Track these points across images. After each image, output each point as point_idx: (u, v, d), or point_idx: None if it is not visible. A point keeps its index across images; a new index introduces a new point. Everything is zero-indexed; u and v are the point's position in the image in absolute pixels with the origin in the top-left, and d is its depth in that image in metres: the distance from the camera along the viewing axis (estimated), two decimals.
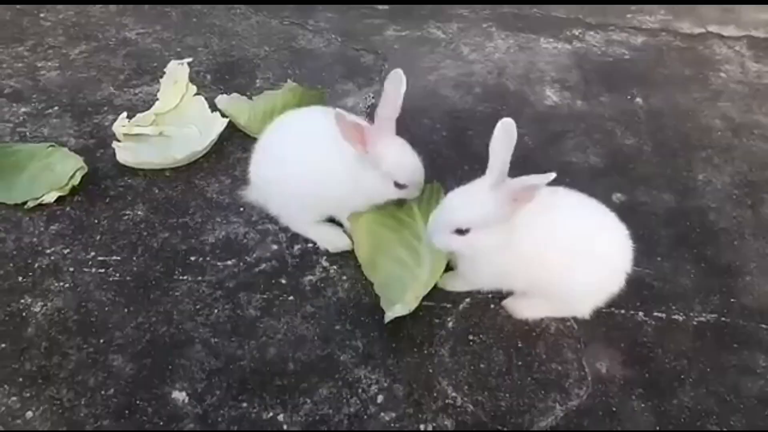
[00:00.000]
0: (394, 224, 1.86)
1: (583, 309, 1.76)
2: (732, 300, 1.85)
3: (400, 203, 1.85)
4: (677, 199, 2.16)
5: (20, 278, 1.81)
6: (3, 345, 1.65)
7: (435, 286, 1.78)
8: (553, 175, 1.46)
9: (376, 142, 1.70)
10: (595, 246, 1.65)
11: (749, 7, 3.24)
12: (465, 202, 1.61)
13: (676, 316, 1.80)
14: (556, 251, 1.62)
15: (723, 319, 1.80)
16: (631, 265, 1.71)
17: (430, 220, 1.65)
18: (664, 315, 1.80)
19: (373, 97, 2.50)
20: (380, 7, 3.09)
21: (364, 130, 1.67)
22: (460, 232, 1.59)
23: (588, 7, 3.17)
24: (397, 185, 1.77)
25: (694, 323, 1.79)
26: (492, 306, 1.80)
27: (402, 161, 1.76)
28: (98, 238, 1.94)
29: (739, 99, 2.63)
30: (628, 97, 2.62)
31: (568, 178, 2.12)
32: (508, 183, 1.53)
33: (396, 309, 1.69)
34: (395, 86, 1.69)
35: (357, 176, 1.77)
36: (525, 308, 1.77)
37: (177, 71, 2.32)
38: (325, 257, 1.91)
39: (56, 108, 2.41)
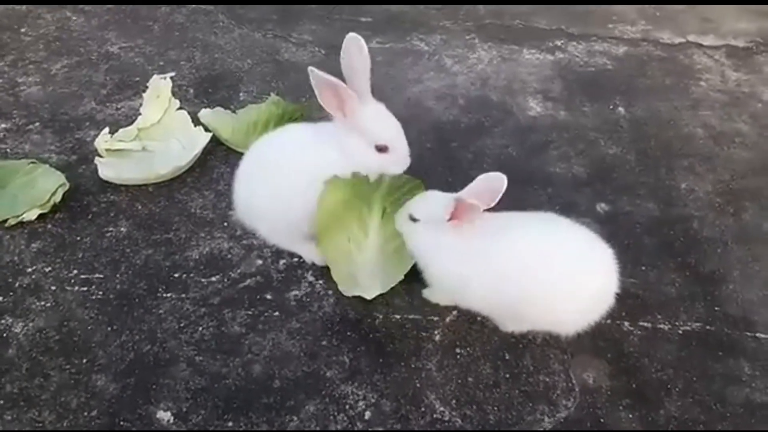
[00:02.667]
0: (356, 203, 1.80)
1: (571, 326, 1.72)
2: (716, 308, 1.86)
3: (381, 179, 1.80)
4: (660, 207, 2.18)
5: (1, 298, 1.79)
6: None
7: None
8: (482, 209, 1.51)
9: (354, 105, 1.68)
10: (570, 275, 1.60)
11: (728, 16, 3.28)
12: (432, 197, 1.67)
13: (661, 326, 1.81)
14: (514, 280, 1.59)
15: (708, 327, 1.81)
16: (616, 274, 1.67)
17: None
18: (649, 325, 1.81)
19: None
20: (363, 19, 3.10)
21: (341, 90, 1.64)
22: (413, 219, 1.66)
23: (570, 18, 3.20)
24: (379, 148, 1.74)
25: (680, 332, 1.80)
26: (479, 318, 1.79)
27: (381, 120, 1.75)
28: (80, 255, 1.91)
29: (720, 108, 2.65)
30: (611, 106, 2.64)
31: (552, 188, 2.16)
32: (468, 192, 1.56)
33: (358, 289, 1.76)
34: (356, 49, 1.66)
35: (340, 143, 1.75)
36: (510, 325, 1.76)
37: (160, 86, 2.30)
38: (310, 272, 1.90)
39: (37, 124, 2.39)
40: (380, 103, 1.77)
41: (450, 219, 1.56)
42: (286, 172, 1.80)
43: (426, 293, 1.82)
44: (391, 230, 1.75)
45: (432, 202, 1.65)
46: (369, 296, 1.78)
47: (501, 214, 1.63)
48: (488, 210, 1.56)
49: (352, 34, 1.67)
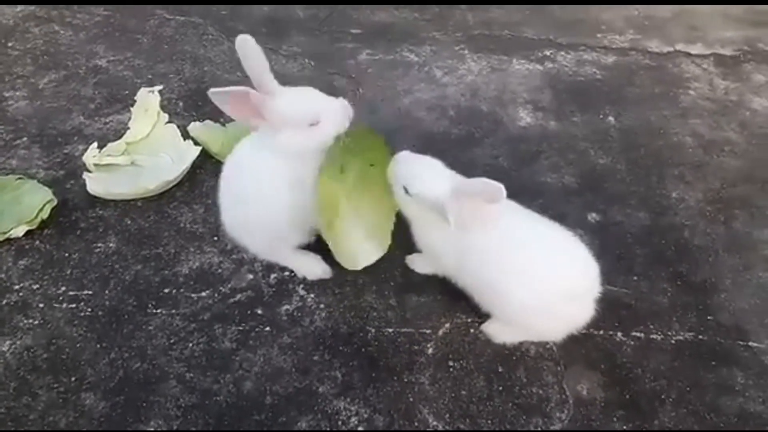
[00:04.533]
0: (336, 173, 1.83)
1: (549, 331, 1.75)
2: (709, 317, 1.86)
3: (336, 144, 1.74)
4: (651, 216, 2.18)
5: None
6: None
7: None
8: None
9: (267, 103, 1.61)
10: (541, 268, 1.61)
11: (715, 25, 3.30)
12: (425, 174, 1.67)
13: (654, 336, 1.80)
14: (493, 263, 1.62)
15: (700, 337, 1.81)
16: (597, 282, 1.66)
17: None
18: (642, 335, 1.80)
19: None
20: (353, 31, 3.10)
21: (249, 95, 1.58)
22: (407, 192, 1.68)
23: (559, 28, 3.21)
24: (312, 124, 1.66)
25: (672, 342, 1.79)
26: (471, 330, 1.79)
27: (296, 101, 1.66)
28: (69, 272, 1.89)
29: (709, 116, 2.67)
30: (601, 116, 2.65)
31: (543, 198, 2.16)
32: (465, 190, 1.56)
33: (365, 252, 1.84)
34: (248, 49, 1.58)
35: (273, 146, 1.68)
36: (502, 334, 1.77)
37: (148, 99, 2.29)
38: (302, 285, 1.88)
39: (25, 139, 2.37)
40: (288, 87, 1.68)
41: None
42: (246, 191, 1.77)
43: (409, 260, 1.90)
44: (358, 189, 1.83)
45: (429, 186, 1.63)
46: (374, 258, 1.87)
47: None
48: None
49: (240, 37, 1.57)
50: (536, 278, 1.60)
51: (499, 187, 1.47)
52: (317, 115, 1.66)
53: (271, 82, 1.63)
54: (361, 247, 1.87)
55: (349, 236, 1.86)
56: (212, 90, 1.57)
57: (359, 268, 1.87)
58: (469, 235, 1.61)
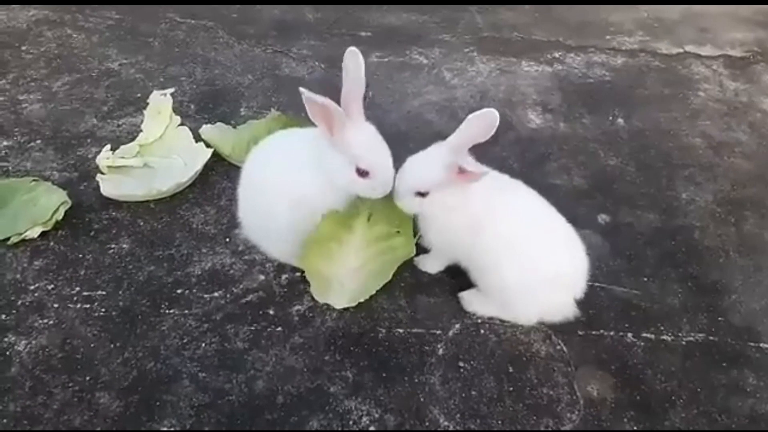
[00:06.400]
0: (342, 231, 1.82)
1: (523, 314, 1.80)
2: (719, 319, 1.86)
3: (362, 204, 1.79)
4: (662, 218, 2.18)
5: (3, 316, 1.78)
6: None
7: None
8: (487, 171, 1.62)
9: (343, 125, 1.62)
10: (533, 249, 1.69)
11: (725, 26, 3.30)
12: (423, 166, 1.70)
13: (664, 337, 1.81)
14: (495, 236, 1.69)
15: (711, 338, 1.81)
16: (583, 282, 1.75)
17: (395, 185, 1.73)
18: (653, 336, 1.81)
19: None
20: (362, 33, 3.12)
21: (333, 110, 1.58)
22: (421, 194, 1.69)
23: (567, 30, 3.22)
24: (360, 172, 1.67)
25: (683, 343, 1.79)
26: (482, 331, 1.79)
27: (366, 143, 1.67)
28: (83, 272, 1.91)
29: (719, 117, 2.67)
30: (610, 117, 2.65)
31: (553, 200, 2.15)
32: (458, 153, 1.63)
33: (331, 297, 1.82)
34: (354, 63, 1.62)
35: (323, 160, 1.70)
36: (475, 303, 1.83)
37: (160, 102, 2.31)
38: None
39: (39, 141, 2.40)
40: (370, 125, 1.71)
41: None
42: (270, 192, 1.78)
43: (418, 261, 1.93)
44: (372, 252, 1.80)
45: (432, 171, 1.67)
46: (339, 305, 1.82)
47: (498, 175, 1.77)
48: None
49: (351, 49, 1.64)
50: (525, 259, 1.68)
51: (492, 112, 1.58)
52: (370, 169, 1.67)
53: (358, 109, 1.67)
54: (338, 288, 1.82)
55: (331, 273, 1.81)
56: (305, 93, 1.58)
57: (321, 301, 1.85)
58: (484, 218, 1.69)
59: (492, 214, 1.70)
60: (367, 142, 1.68)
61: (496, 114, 1.58)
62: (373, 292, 1.81)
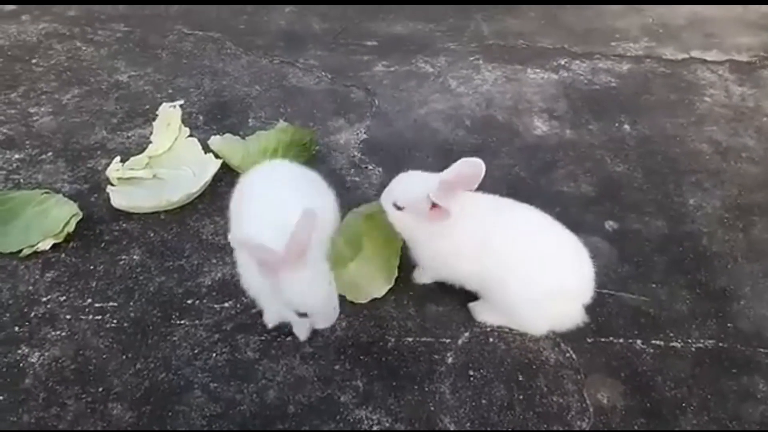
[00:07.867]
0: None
1: (532, 325, 1.80)
2: (729, 325, 1.86)
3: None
4: (669, 224, 2.18)
5: (17, 328, 1.80)
6: (0, 397, 1.64)
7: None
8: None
9: (286, 270, 1.51)
10: (536, 264, 1.68)
11: (730, 31, 3.30)
12: (406, 182, 1.75)
13: (674, 343, 1.81)
14: (493, 255, 1.69)
15: (721, 344, 1.81)
16: (590, 289, 1.73)
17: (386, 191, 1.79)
18: (662, 342, 1.81)
19: (365, 132, 2.53)
20: (369, 43, 3.14)
21: (269, 253, 1.49)
22: (397, 207, 1.74)
23: (573, 37, 3.23)
24: (298, 314, 1.59)
25: (693, 349, 1.79)
26: (491, 339, 1.80)
27: (302, 293, 1.55)
28: (94, 284, 1.93)
29: (725, 123, 2.67)
30: (616, 124, 2.66)
31: (560, 207, 2.17)
32: (441, 190, 1.64)
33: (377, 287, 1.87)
34: (306, 226, 1.49)
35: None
36: (484, 313, 1.83)
37: (169, 114, 2.33)
38: None
39: (50, 153, 2.42)
40: (312, 271, 1.55)
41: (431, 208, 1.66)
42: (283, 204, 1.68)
43: (415, 275, 1.94)
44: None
45: (412, 191, 1.71)
46: (384, 291, 1.88)
47: (480, 196, 1.76)
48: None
49: (309, 211, 1.50)
50: (529, 275, 1.68)
51: (479, 162, 1.61)
52: (307, 312, 1.59)
53: (302, 252, 1.51)
54: (373, 283, 1.89)
55: (361, 274, 1.87)
56: (246, 241, 1.55)
57: (366, 300, 1.88)
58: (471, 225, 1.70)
59: (490, 235, 1.70)
60: (301, 292, 1.55)
61: (482, 165, 1.63)
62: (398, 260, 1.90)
